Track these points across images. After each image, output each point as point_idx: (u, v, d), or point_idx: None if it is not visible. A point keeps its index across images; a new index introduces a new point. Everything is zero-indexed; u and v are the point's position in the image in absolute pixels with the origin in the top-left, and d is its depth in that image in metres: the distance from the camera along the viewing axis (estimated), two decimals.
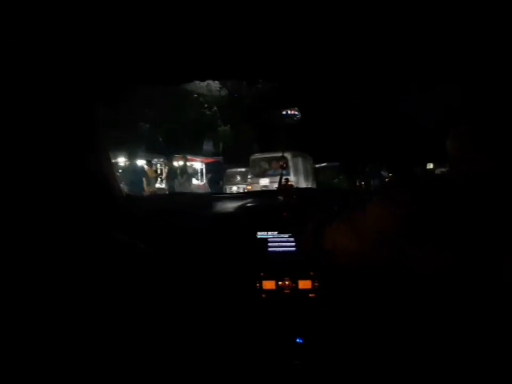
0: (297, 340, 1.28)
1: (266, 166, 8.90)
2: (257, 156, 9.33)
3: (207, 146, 13.38)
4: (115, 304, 0.87)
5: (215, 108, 13.12)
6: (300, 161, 8.45)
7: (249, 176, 9.25)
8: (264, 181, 8.25)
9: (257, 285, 1.35)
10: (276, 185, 1.61)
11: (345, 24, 1.12)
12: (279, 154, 7.52)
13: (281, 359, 1.26)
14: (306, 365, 1.25)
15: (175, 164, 9.40)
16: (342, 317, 1.27)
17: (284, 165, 1.55)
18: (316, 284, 1.33)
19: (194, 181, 10.69)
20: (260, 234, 1.41)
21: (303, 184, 7.91)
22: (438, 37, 1.10)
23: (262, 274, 1.36)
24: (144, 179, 7.74)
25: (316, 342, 1.28)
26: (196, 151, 12.41)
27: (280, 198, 1.51)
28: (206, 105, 13.05)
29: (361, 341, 1.23)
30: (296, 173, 8.14)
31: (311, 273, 1.34)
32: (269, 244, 1.40)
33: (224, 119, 13.58)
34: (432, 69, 1.32)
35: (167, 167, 7.83)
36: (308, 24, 1.13)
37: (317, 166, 9.22)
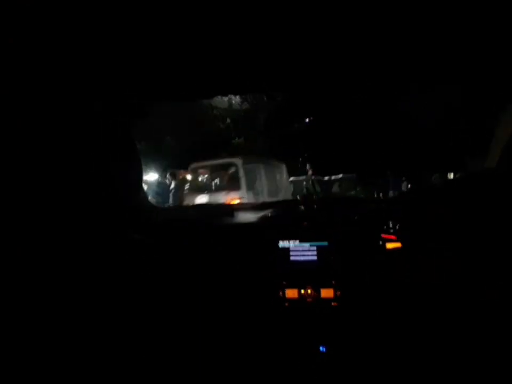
0: (320, 348, 1.30)
1: (206, 177, 6.67)
2: (197, 164, 6.58)
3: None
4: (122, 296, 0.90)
5: (229, 121, 13.11)
6: (260, 170, 5.95)
7: (185, 191, 6.53)
8: (201, 198, 5.80)
9: (280, 293, 1.37)
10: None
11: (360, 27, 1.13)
12: (228, 160, 6.02)
13: (304, 367, 1.28)
14: (329, 373, 1.26)
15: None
16: (364, 325, 1.28)
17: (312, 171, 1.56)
18: (338, 292, 1.34)
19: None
20: (282, 244, 1.43)
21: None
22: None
23: (284, 283, 1.38)
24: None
25: (338, 350, 1.29)
26: None
27: (301, 207, 1.53)
28: (220, 118, 13.05)
29: (381, 349, 1.24)
30: (253, 187, 5.70)
31: (333, 282, 1.35)
32: (291, 253, 1.42)
33: (239, 132, 13.57)
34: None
35: (173, 181, 7.23)
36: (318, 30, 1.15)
37: (333, 177, 9.01)
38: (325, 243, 1.40)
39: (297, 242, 1.43)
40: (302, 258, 1.41)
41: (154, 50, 1.17)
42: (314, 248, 1.41)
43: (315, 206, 1.52)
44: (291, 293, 1.37)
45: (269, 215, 1.55)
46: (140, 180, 1.31)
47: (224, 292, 1.38)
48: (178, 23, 1.08)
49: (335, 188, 8.75)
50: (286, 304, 1.36)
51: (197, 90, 1.51)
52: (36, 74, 0.77)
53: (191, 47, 1.20)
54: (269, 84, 1.52)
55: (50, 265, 0.78)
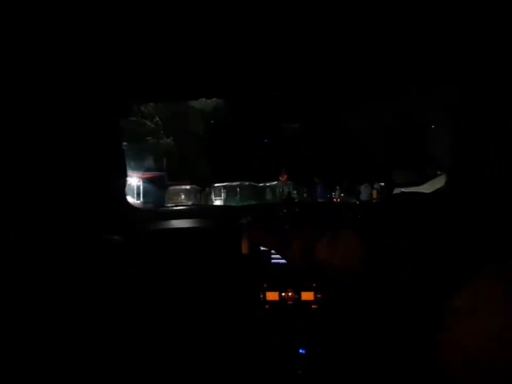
0: (300, 351, 1.30)
1: None
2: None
3: (149, 161, 11.97)
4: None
5: (157, 119, 12.32)
6: None
7: None
8: None
9: (261, 296, 1.37)
10: None
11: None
12: None
13: (284, 369, 1.28)
14: (309, 375, 1.27)
15: None
16: (344, 328, 1.30)
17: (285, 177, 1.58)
18: (319, 295, 1.36)
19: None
20: (263, 246, 1.44)
21: None
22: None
23: (265, 285, 1.38)
24: None
25: (318, 352, 1.30)
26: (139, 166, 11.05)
27: (283, 210, 1.54)
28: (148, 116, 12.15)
29: (362, 352, 1.26)
30: None
31: (313, 284, 1.36)
32: (272, 256, 1.43)
33: (168, 132, 12.50)
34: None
35: None
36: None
37: (267, 184, 8.86)
38: None
39: None
40: (283, 261, 1.42)
41: (150, 50, 1.17)
42: None
43: (296, 209, 1.53)
44: (272, 296, 1.37)
45: (250, 218, 1.56)
46: (125, 182, 1.30)
47: (204, 295, 1.37)
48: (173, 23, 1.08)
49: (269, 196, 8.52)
50: (267, 306, 1.37)
51: (188, 91, 1.50)
52: (35, 74, 0.76)
53: (184, 47, 1.20)
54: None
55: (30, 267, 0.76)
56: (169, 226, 1.49)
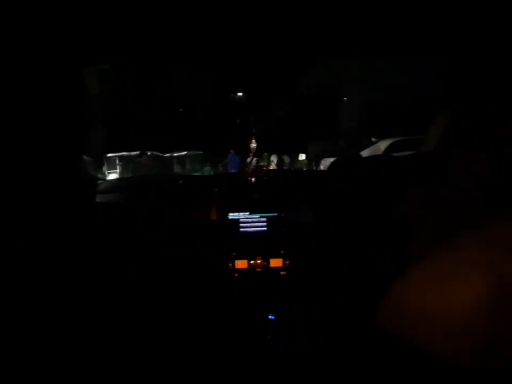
0: (270, 317, 1.32)
1: None
2: None
3: None
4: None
5: None
6: None
7: None
8: None
9: (230, 264, 1.37)
10: None
11: None
12: None
13: (254, 335, 1.30)
14: (278, 340, 1.29)
15: None
16: (312, 293, 1.32)
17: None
18: (287, 262, 1.37)
19: None
20: (232, 215, 1.42)
21: None
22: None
23: (234, 254, 1.38)
24: None
25: (287, 318, 1.32)
26: None
27: (251, 179, 1.53)
28: None
29: (329, 316, 1.29)
30: None
31: (282, 251, 1.37)
32: (241, 224, 1.42)
33: None
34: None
35: None
36: None
37: (175, 154, 7.88)
38: (275, 214, 1.41)
39: (247, 214, 1.43)
40: (251, 229, 1.42)
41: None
42: (264, 219, 1.42)
43: (265, 178, 1.51)
44: (241, 264, 1.37)
45: (219, 187, 1.53)
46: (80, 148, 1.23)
47: (174, 264, 1.35)
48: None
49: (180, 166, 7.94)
50: (236, 274, 1.36)
51: None
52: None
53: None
54: None
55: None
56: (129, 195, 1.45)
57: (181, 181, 1.52)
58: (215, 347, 1.26)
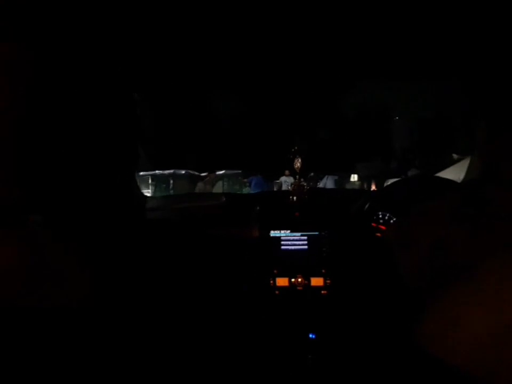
0: (310, 335, 1.32)
1: None
2: None
3: None
4: None
5: None
6: None
7: None
8: None
9: (271, 282, 1.38)
10: None
11: None
12: None
13: (294, 354, 1.30)
14: (318, 360, 1.28)
15: None
16: (353, 313, 1.31)
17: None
18: (328, 281, 1.37)
19: None
20: (273, 233, 1.45)
21: None
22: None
23: (275, 271, 1.39)
24: None
25: (328, 337, 1.31)
26: None
27: (293, 198, 1.55)
28: None
29: (371, 337, 1.27)
30: None
31: (323, 270, 1.37)
32: (282, 242, 1.44)
33: None
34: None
35: None
36: None
37: (217, 173, 7.40)
38: (316, 232, 1.42)
39: (288, 232, 1.45)
40: (293, 247, 1.43)
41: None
42: (305, 237, 1.43)
43: (306, 197, 1.53)
44: (282, 282, 1.38)
45: (261, 205, 1.57)
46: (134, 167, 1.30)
47: (216, 282, 1.39)
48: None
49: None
50: (277, 292, 1.38)
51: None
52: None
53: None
54: None
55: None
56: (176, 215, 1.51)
57: (224, 198, 1.56)
58: (255, 364, 1.27)
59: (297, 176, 1.55)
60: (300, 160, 1.52)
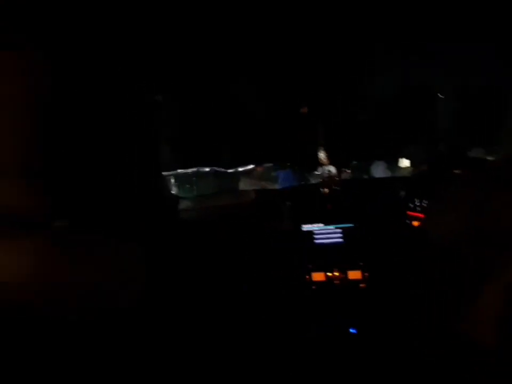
0: (351, 330, 1.28)
1: None
2: None
3: None
4: None
5: None
6: None
7: None
8: None
9: (307, 277, 1.36)
10: None
11: None
12: None
13: (335, 350, 1.26)
14: (361, 354, 1.24)
15: None
16: (394, 306, 1.26)
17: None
18: (366, 274, 1.32)
19: None
20: (306, 227, 1.42)
21: None
22: None
23: (310, 266, 1.36)
24: None
25: (369, 331, 1.27)
26: None
27: (324, 190, 1.52)
28: None
29: (412, 329, 1.22)
30: None
31: (360, 263, 1.33)
32: (315, 236, 1.40)
33: None
34: None
35: None
36: None
37: (241, 169, 6.64)
38: (351, 224, 1.38)
39: (321, 225, 1.41)
40: (327, 241, 1.40)
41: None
42: (340, 230, 1.39)
43: (338, 188, 1.49)
44: (318, 276, 1.35)
45: (292, 200, 1.54)
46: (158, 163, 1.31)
47: (252, 280, 1.38)
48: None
49: None
50: (314, 287, 1.35)
51: None
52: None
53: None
54: None
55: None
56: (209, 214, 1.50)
57: (254, 195, 1.55)
58: (293, 361, 1.25)
59: (324, 166, 1.51)
60: (324, 152, 1.48)
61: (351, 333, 1.27)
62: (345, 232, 1.39)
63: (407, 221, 1.36)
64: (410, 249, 1.28)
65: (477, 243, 0.86)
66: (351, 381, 1.19)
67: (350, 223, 1.39)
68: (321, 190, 1.52)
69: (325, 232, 1.41)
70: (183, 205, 1.47)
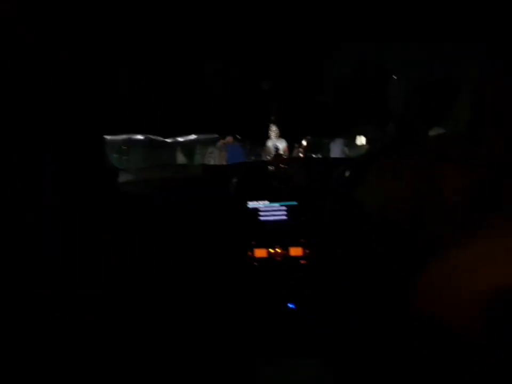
0: (289, 305, 1.31)
1: None
2: None
3: None
4: None
5: None
6: None
7: None
8: None
9: (249, 253, 1.37)
10: None
11: None
12: None
13: (274, 324, 1.29)
14: (299, 329, 1.28)
15: None
16: (333, 282, 1.30)
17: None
18: (307, 250, 1.35)
19: None
20: (251, 204, 1.42)
21: None
22: None
23: (253, 243, 1.37)
24: None
25: (307, 306, 1.31)
26: None
27: (271, 168, 1.52)
28: None
29: (350, 304, 1.26)
30: None
31: (302, 240, 1.36)
32: (260, 213, 1.41)
33: None
34: None
35: None
36: None
37: (180, 139, 5.89)
38: (295, 202, 1.40)
39: (266, 202, 1.42)
40: (271, 218, 1.41)
41: None
42: (284, 208, 1.41)
43: (285, 166, 1.50)
44: (260, 253, 1.36)
45: (239, 177, 1.53)
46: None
47: (194, 255, 1.36)
48: None
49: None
50: (255, 263, 1.36)
51: None
52: None
53: None
54: None
55: None
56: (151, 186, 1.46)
57: (200, 170, 1.52)
58: (234, 333, 1.26)
59: (273, 141, 1.51)
60: (275, 126, 1.48)
61: (289, 307, 1.30)
62: (289, 210, 1.40)
63: (352, 200, 1.39)
64: (350, 225, 1.31)
65: (420, 213, 0.89)
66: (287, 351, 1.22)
67: (294, 200, 1.41)
68: (268, 167, 1.52)
69: (269, 210, 1.41)
70: (123, 177, 1.41)
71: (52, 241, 0.92)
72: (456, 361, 0.55)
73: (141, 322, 0.89)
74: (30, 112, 0.89)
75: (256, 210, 1.41)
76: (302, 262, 1.35)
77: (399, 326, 1.10)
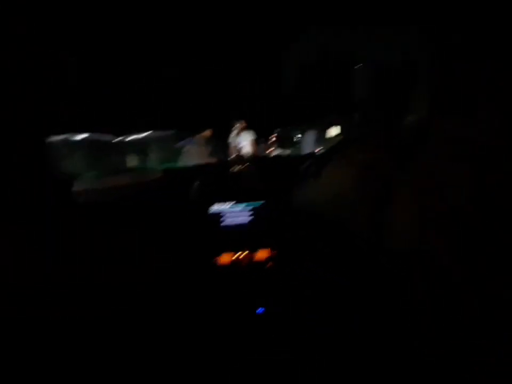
0: (258, 310, 1.27)
1: None
2: None
3: None
4: None
5: None
6: None
7: None
8: None
9: (214, 259, 1.31)
10: None
11: None
12: None
13: (242, 329, 1.25)
14: (267, 334, 1.24)
15: None
16: (301, 283, 1.27)
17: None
18: (273, 252, 1.31)
19: None
20: (215, 207, 1.36)
21: None
22: None
23: (217, 248, 1.32)
24: None
25: (275, 310, 1.27)
26: None
27: (234, 168, 1.47)
28: None
29: (321, 307, 1.24)
30: None
31: (267, 243, 1.31)
32: (224, 216, 1.36)
33: None
34: None
35: None
36: None
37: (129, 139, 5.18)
38: (259, 202, 1.36)
39: (231, 204, 1.37)
40: (236, 220, 1.36)
41: None
42: (249, 208, 1.36)
43: (248, 166, 1.45)
44: (225, 258, 1.31)
45: (201, 179, 1.48)
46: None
47: (158, 263, 1.30)
48: None
49: None
50: (220, 270, 1.31)
51: None
52: None
53: None
54: None
55: None
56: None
57: (160, 174, 1.46)
58: (204, 342, 1.22)
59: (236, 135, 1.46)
60: (241, 120, 1.43)
61: (257, 313, 1.26)
62: (254, 210, 1.36)
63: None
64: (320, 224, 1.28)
65: (363, 203, 0.95)
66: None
67: (258, 200, 1.36)
68: (231, 168, 1.47)
69: (233, 212, 1.36)
70: (79, 186, 1.33)
71: (52, 241, 0.90)
72: (456, 361, 0.57)
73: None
74: (30, 112, 0.85)
75: (218, 213, 1.36)
76: (269, 264, 1.31)
77: (387, 325, 1.09)
